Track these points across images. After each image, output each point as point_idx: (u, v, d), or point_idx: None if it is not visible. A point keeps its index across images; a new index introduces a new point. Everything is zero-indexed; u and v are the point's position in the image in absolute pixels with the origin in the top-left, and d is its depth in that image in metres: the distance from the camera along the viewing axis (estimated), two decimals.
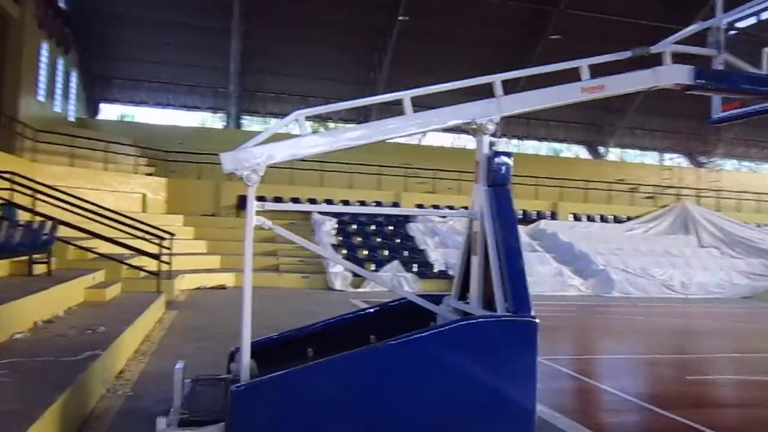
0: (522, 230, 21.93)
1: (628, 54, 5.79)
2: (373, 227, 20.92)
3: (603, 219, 25.19)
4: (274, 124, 4.98)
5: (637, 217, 25.47)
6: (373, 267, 17.64)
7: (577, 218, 24.82)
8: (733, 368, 8.65)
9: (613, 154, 32.65)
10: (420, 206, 22.89)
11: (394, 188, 23.68)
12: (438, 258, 18.99)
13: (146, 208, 19.54)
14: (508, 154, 5.40)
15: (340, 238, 19.72)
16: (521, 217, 23.97)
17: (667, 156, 33.03)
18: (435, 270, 18.41)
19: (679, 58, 5.86)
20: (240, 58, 26.34)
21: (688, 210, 25.38)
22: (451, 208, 23.23)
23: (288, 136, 4.91)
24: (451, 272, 18.19)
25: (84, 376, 5.17)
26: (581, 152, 32.86)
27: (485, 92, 5.32)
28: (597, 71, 5.59)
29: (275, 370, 4.43)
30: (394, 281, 17.36)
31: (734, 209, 27.39)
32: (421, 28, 24.78)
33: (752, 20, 6.28)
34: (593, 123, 30.78)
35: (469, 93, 4.93)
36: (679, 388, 7.13)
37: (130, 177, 20.19)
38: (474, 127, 5.29)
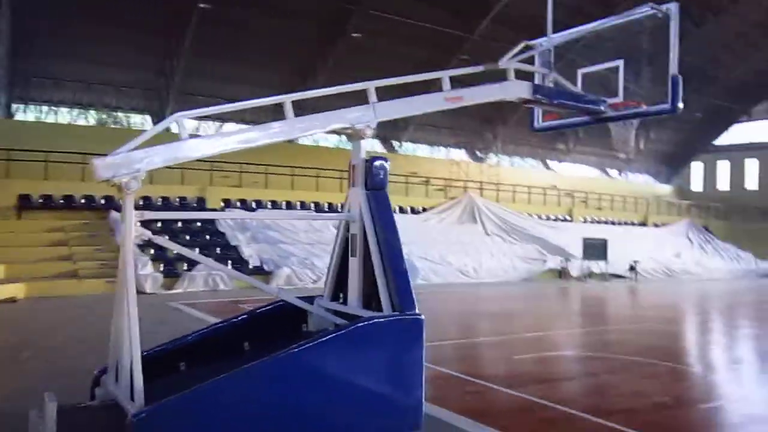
0: (329, 222, 22.51)
1: (481, 68, 6.37)
2: (179, 224, 19.87)
3: (401, 210, 26.75)
4: (150, 129, 4.59)
5: (431, 207, 27.48)
6: (185, 266, 16.82)
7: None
8: (547, 345, 9.88)
9: (406, 148, 34.78)
10: (227, 201, 22.32)
11: (199, 182, 22.72)
12: (252, 254, 18.70)
13: None
14: (384, 159, 5.64)
15: (144, 238, 18.37)
16: (327, 209, 24.53)
17: (453, 151, 36.03)
18: (250, 266, 18.11)
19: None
20: (11, 39, 23.11)
21: (474, 201, 28.02)
22: (258, 202, 23.08)
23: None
24: (266, 268, 18.08)
25: None
26: (376, 146, 34.44)
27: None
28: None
29: (151, 391, 4.16)
30: (208, 280, 16.76)
31: (510, 200, 30.81)
32: (222, 16, 24.03)
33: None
34: (388, 120, 32.35)
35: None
36: (511, 366, 7.98)
37: None
38: (350, 131, 5.43)
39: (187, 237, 19.32)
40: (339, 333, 4.67)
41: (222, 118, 28.14)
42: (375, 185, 5.50)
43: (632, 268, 25.04)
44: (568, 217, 32.10)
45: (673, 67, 6.60)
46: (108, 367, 4.97)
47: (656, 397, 6.61)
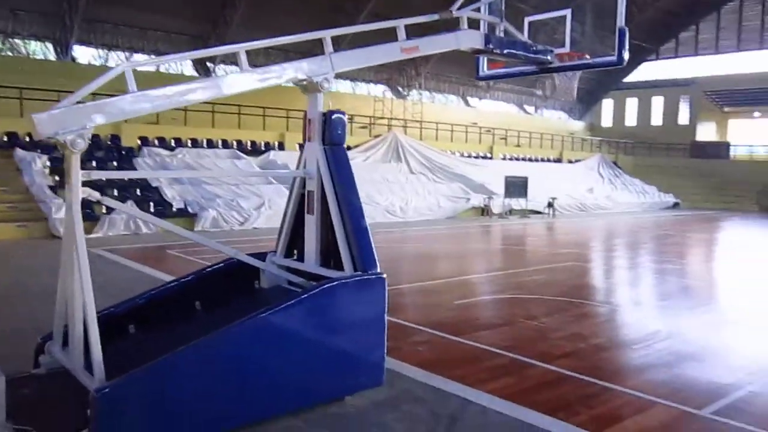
0: (253, 161, 21.97)
1: (436, 17, 6.20)
2: (93, 162, 18.70)
3: None
4: (94, 80, 4.17)
5: (355, 146, 27.21)
6: (104, 209, 15.97)
7: (302, 148, 25.49)
8: (483, 288, 10.18)
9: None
10: (143, 139, 21.20)
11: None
12: (175, 195, 18.00)
13: None
14: (342, 113, 5.46)
15: (56, 178, 17.24)
16: (251, 148, 23.85)
17: (374, 87, 35.58)
18: (173, 209, 17.45)
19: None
20: None
21: (399, 139, 27.99)
22: (177, 140, 22.07)
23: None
24: (191, 210, 17.51)
25: None
26: None
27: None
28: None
29: (102, 357, 3.97)
30: (129, 224, 16.06)
31: (434, 138, 31.00)
32: None
33: None
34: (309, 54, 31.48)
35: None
36: (453, 313, 8.17)
37: None
38: (305, 83, 5.19)
39: (104, 179, 18.28)
40: (307, 294, 4.58)
41: (133, 47, 26.53)
42: (333, 140, 5.34)
43: (550, 205, 26.05)
44: (488, 155, 32.74)
45: (620, 19, 6.66)
46: (53, 333, 4.71)
47: (593, 339, 7.00)
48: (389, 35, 5.75)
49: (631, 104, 46.18)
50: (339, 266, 5.19)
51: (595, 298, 9.72)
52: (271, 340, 4.38)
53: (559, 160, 36.83)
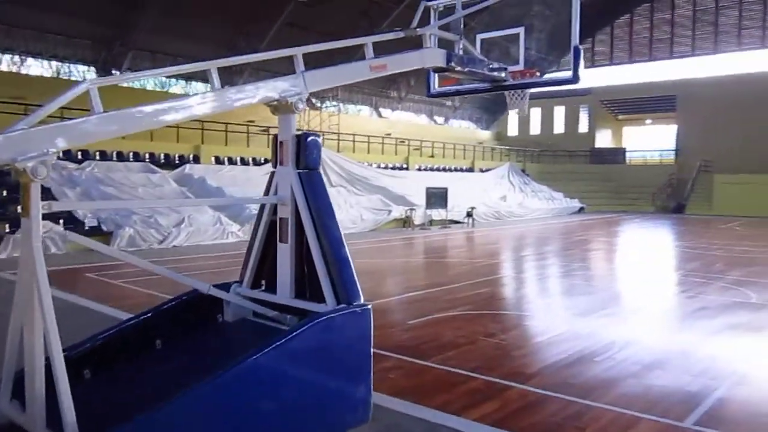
0: (168, 176, 20.98)
1: (402, 34, 6.05)
2: None
3: (243, 161, 25.64)
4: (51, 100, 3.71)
5: None
6: (7, 228, 14.60)
7: (219, 161, 24.70)
8: (431, 305, 10.06)
9: None
10: None
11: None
12: (87, 213, 16.77)
13: None
14: (317, 135, 5.19)
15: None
16: (164, 161, 22.76)
17: None
18: (86, 227, 16.24)
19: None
20: None
21: None
22: (84, 152, 20.69)
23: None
24: (105, 228, 16.44)
25: None
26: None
27: None
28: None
29: (55, 406, 3.54)
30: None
31: (351, 150, 30.87)
32: None
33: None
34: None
35: None
36: (411, 333, 8.00)
37: None
38: (275, 103, 4.89)
39: (5, 192, 16.83)
40: (298, 331, 4.25)
41: (29, 51, 24.75)
42: (308, 164, 5.07)
43: (469, 214, 26.52)
44: (405, 165, 32.98)
45: (575, 38, 6.81)
46: (1, 383, 4.16)
47: (554, 354, 7.04)
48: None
49: (535, 114, 48.05)
50: (315, 297, 4.90)
51: (542, 310, 9.86)
52: (263, 383, 4.05)
53: (471, 169, 37.70)
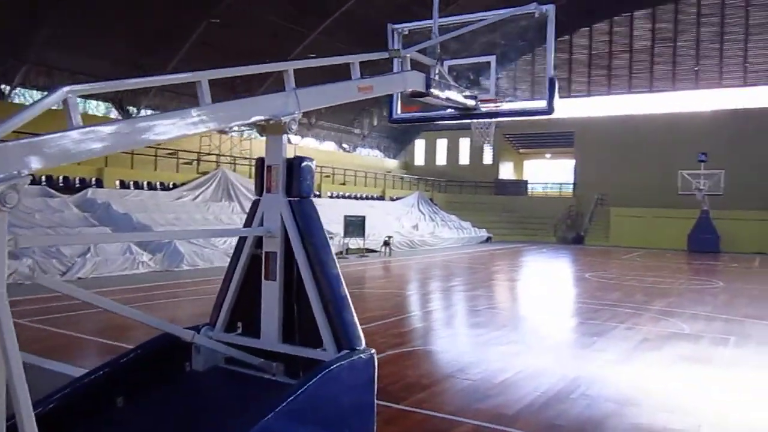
0: (69, 201, 19.35)
1: (386, 54, 5.71)
2: None
3: (150, 186, 24.15)
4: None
5: (182, 183, 25.31)
6: None
7: (124, 185, 23.12)
8: (383, 341, 9.58)
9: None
10: None
11: None
12: None
13: None
14: (311, 159, 4.68)
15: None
16: (63, 184, 20.97)
17: None
18: None
19: None
20: None
21: (228, 176, 26.57)
22: None
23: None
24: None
25: None
26: (113, 113, 30.54)
27: None
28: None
29: None
30: None
31: None
32: None
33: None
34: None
35: None
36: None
37: None
38: (263, 123, 4.36)
39: None
40: (308, 385, 3.68)
41: None
42: (301, 192, 4.52)
43: (386, 243, 26.30)
44: (317, 192, 32.43)
45: (550, 69, 6.70)
46: None
47: (527, 393, 6.79)
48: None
49: (441, 144, 49.15)
50: (307, 342, 4.36)
51: (492, 345, 9.65)
52: None
53: (382, 198, 37.71)
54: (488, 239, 37.73)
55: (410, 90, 5.90)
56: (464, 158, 48.46)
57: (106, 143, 3.25)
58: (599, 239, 36.77)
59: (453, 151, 48.66)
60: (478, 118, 7.29)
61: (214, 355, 4.74)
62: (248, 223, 4.62)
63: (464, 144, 48.16)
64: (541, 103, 6.70)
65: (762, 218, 32.76)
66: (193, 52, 27.64)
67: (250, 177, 28.68)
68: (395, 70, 5.83)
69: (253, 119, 4.19)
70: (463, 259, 25.83)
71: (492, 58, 7.01)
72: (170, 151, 26.73)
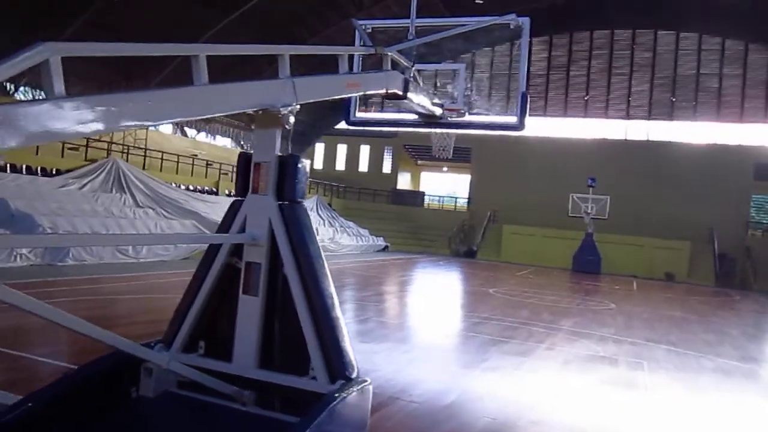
0: None
1: (373, 50, 5.25)
2: None
3: (30, 170, 21.87)
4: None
5: (67, 171, 23.15)
6: None
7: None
8: None
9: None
10: None
11: None
12: None
13: None
14: (304, 159, 4.12)
15: None
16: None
17: None
18: None
19: None
20: None
21: (120, 166, 24.67)
22: None
23: None
24: None
25: None
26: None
27: None
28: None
29: None
30: None
31: (158, 169, 28.15)
32: None
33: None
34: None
35: None
36: None
37: None
38: (259, 113, 3.78)
39: None
40: (315, 422, 3.12)
41: None
42: (294, 195, 3.95)
43: None
44: (215, 189, 31.01)
45: (522, 84, 6.54)
46: None
47: (479, 419, 6.52)
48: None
49: (341, 150, 48.84)
50: (288, 367, 3.80)
51: (420, 362, 9.33)
52: None
53: None
54: (386, 248, 37.76)
55: (391, 90, 5.47)
56: (363, 165, 48.44)
57: (105, 124, 2.56)
58: (491, 254, 37.85)
59: (353, 158, 48.49)
60: (441, 128, 6.97)
61: (166, 378, 4.04)
62: (225, 228, 3.98)
63: (364, 151, 48.17)
64: (512, 119, 6.51)
65: (636, 243, 35.17)
66: (81, 34, 25.44)
67: (144, 168, 26.93)
68: (386, 68, 5.37)
69: (251, 106, 3.58)
70: (368, 267, 25.53)
71: (461, 66, 6.73)
72: None
